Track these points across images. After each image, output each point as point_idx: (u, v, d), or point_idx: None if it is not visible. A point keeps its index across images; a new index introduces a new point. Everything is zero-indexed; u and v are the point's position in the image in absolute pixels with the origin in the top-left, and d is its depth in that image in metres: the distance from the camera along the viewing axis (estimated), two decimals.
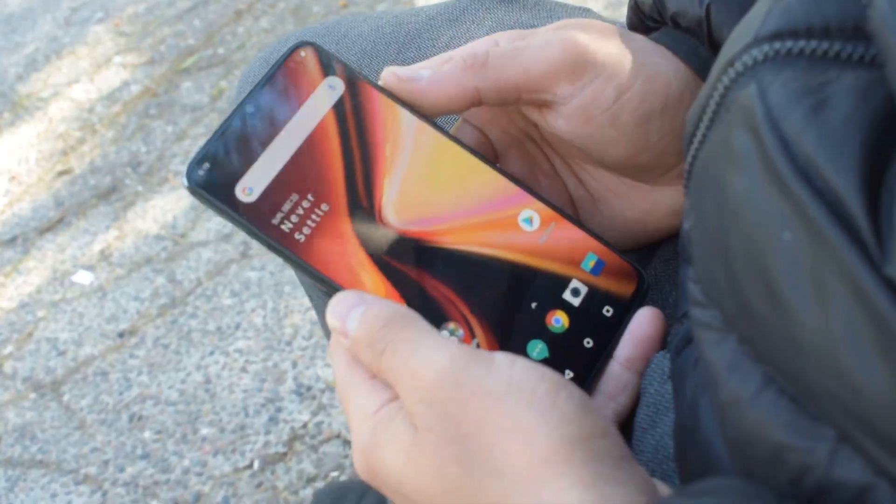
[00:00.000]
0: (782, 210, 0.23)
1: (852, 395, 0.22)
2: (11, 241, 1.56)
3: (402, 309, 0.33)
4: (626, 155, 0.39)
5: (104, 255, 1.49)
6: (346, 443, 1.13)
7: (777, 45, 0.25)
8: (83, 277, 1.46)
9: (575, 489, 0.27)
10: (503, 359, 0.30)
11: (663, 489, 0.30)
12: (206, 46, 1.89)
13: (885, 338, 0.21)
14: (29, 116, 1.84)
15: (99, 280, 1.44)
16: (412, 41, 0.52)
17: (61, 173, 1.68)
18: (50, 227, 1.57)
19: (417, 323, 0.32)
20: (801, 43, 0.24)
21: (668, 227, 0.44)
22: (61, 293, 1.44)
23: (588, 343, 0.37)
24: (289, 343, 1.26)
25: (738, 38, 0.27)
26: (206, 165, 0.37)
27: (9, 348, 1.37)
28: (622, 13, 1.58)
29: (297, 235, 0.37)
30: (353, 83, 0.39)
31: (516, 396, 0.29)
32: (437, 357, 0.30)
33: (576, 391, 0.30)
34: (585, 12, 0.55)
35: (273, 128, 0.38)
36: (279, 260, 1.22)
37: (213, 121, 1.69)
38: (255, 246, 1.41)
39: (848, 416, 0.23)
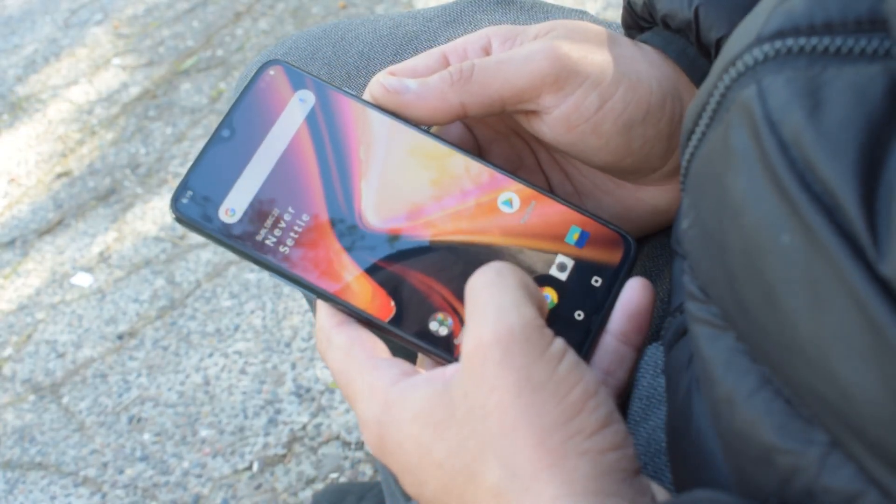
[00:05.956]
0: (781, 213, 0.23)
1: (843, 400, 0.22)
2: (10, 243, 1.56)
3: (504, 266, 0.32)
4: (610, 160, 0.40)
5: (103, 257, 1.49)
6: (346, 444, 1.13)
7: (778, 44, 0.25)
8: (82, 279, 1.46)
9: (566, 498, 0.27)
10: (558, 347, 0.30)
11: (661, 495, 0.30)
12: (206, 48, 1.89)
13: (878, 343, 0.21)
14: (28, 118, 1.84)
15: (98, 282, 1.44)
16: (409, 43, 0.52)
17: (60, 175, 1.68)
18: (49, 229, 1.57)
19: (515, 274, 0.32)
20: (802, 40, 0.24)
21: (651, 225, 0.44)
22: (60, 295, 1.44)
23: (579, 315, 0.38)
24: (288, 345, 1.26)
25: (741, 37, 0.27)
26: (190, 193, 0.39)
27: (8, 350, 1.37)
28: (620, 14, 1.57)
29: (281, 248, 0.38)
30: (323, 93, 0.41)
31: (552, 392, 0.29)
32: (516, 314, 0.30)
33: (608, 401, 0.30)
34: (582, 15, 0.55)
35: (250, 147, 0.39)
36: None
37: (212, 122, 1.69)
38: None
39: (839, 421, 0.23)
